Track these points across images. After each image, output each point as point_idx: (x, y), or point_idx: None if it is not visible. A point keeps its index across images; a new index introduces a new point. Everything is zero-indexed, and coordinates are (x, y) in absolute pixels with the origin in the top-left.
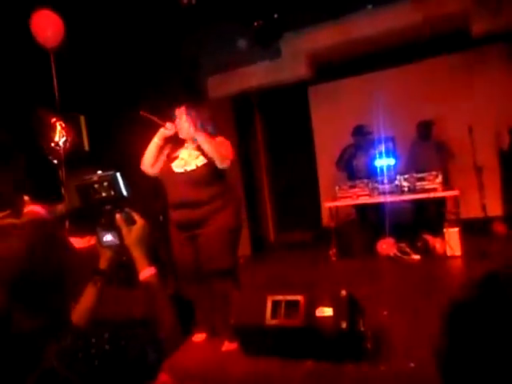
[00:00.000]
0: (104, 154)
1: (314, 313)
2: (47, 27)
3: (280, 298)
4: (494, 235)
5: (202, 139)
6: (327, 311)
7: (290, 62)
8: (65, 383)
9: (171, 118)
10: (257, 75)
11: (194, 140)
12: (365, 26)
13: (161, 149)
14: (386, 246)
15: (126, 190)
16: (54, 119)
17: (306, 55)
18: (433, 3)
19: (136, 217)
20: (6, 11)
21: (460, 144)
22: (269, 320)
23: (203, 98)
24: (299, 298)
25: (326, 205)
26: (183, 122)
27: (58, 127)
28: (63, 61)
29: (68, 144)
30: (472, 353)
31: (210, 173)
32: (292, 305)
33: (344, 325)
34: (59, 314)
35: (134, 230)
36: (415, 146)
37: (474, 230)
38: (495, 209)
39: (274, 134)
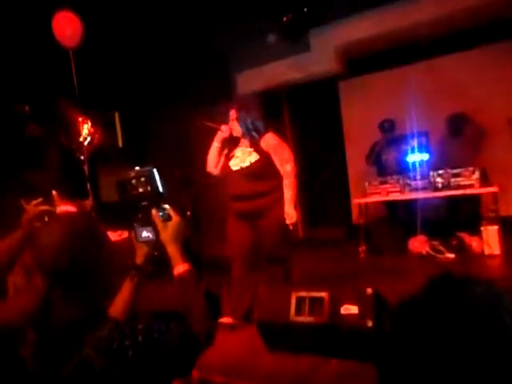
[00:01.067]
0: (138, 150)
1: (339, 310)
2: (66, 27)
3: (304, 294)
4: None
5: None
6: (353, 309)
7: (319, 56)
8: (100, 373)
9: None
10: (286, 70)
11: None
12: (395, 19)
13: (220, 150)
14: (418, 244)
15: (163, 187)
16: (80, 117)
17: (335, 49)
18: None
19: (172, 213)
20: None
21: (500, 137)
22: (293, 316)
23: (232, 94)
24: (323, 294)
25: (356, 201)
26: (235, 122)
27: (85, 125)
28: (98, 58)
29: (95, 141)
30: (409, 352)
31: (264, 167)
32: (316, 301)
33: (370, 323)
34: (97, 304)
35: (170, 227)
36: (445, 143)
37: None
38: None
39: (303, 130)
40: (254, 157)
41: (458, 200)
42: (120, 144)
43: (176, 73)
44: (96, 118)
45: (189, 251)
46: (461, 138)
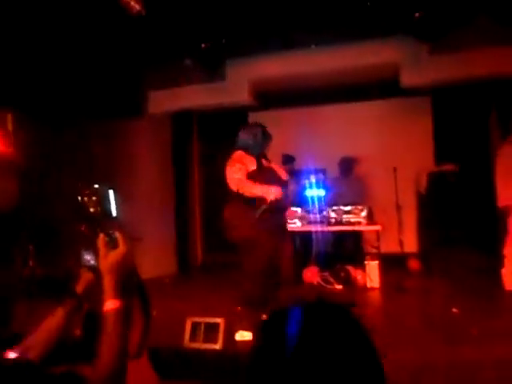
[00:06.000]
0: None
1: (234, 336)
2: None
3: (200, 320)
4: (409, 270)
5: None
6: (247, 335)
7: (233, 87)
8: None
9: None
10: (199, 95)
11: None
12: (307, 63)
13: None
14: (311, 274)
15: (117, 210)
16: None
17: (248, 82)
18: (369, 52)
19: (121, 241)
20: None
21: (385, 183)
22: (187, 343)
23: (144, 112)
24: (219, 320)
25: None
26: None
27: None
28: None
29: None
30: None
31: None
32: (212, 328)
33: None
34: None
35: (112, 255)
36: (338, 180)
37: (391, 264)
38: (411, 246)
39: (210, 156)
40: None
41: (344, 235)
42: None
43: (83, 85)
44: None
45: (140, 287)
46: (350, 178)
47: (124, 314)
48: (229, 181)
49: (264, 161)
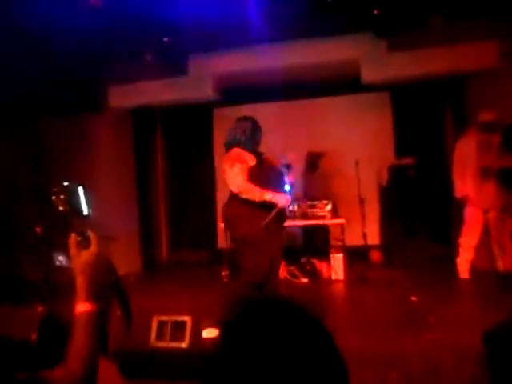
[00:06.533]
0: None
1: (201, 334)
2: None
3: (166, 318)
4: (371, 262)
5: None
6: (214, 332)
7: (196, 82)
8: None
9: None
10: (162, 91)
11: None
12: (269, 59)
13: None
14: None
15: (87, 208)
16: None
17: (212, 77)
18: (331, 48)
19: (93, 241)
20: None
21: (348, 177)
22: (154, 342)
23: (103, 108)
24: (186, 318)
25: (221, 226)
26: None
27: None
28: None
29: None
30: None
31: None
32: (179, 326)
33: None
34: None
35: (83, 256)
36: (304, 175)
37: (355, 256)
38: (374, 238)
39: (174, 152)
40: None
41: (312, 229)
42: None
43: (40, 80)
44: None
45: (119, 291)
46: (316, 173)
47: (96, 318)
48: (229, 182)
49: (262, 156)
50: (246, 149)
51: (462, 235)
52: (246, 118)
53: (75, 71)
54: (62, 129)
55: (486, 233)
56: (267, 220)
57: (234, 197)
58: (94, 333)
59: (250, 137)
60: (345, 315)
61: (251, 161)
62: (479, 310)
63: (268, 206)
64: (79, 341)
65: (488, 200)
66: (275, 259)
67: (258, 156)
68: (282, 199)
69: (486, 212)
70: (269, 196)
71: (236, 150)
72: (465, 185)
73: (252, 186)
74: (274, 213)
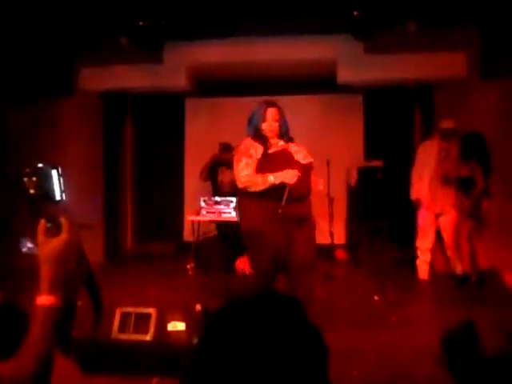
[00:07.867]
0: None
1: (166, 327)
2: None
3: (130, 310)
4: (336, 260)
5: None
6: (180, 326)
7: (170, 71)
8: None
9: None
10: (134, 76)
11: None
12: (246, 53)
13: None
14: (243, 264)
15: (60, 193)
16: None
17: (187, 67)
18: (308, 46)
19: (65, 228)
20: None
21: (319, 175)
22: (116, 334)
23: (73, 91)
24: (151, 310)
25: (189, 218)
26: (274, 122)
27: None
28: None
29: None
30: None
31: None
32: (143, 318)
33: (196, 340)
34: None
35: (52, 243)
36: None
37: (322, 254)
38: (340, 237)
39: (144, 140)
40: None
41: None
42: None
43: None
44: None
45: (90, 284)
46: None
47: (57, 313)
48: (235, 177)
49: (276, 143)
50: (253, 137)
51: (417, 238)
52: (259, 103)
53: (45, 53)
54: (29, 111)
55: (440, 237)
56: (282, 203)
57: (240, 192)
58: (51, 328)
59: (250, 123)
60: (308, 312)
61: (258, 152)
62: (438, 310)
63: (279, 191)
64: (34, 335)
65: (440, 205)
66: (290, 259)
67: (265, 142)
68: (287, 176)
69: (437, 216)
70: (271, 179)
71: (246, 142)
72: (421, 187)
73: (253, 177)
74: (286, 193)
